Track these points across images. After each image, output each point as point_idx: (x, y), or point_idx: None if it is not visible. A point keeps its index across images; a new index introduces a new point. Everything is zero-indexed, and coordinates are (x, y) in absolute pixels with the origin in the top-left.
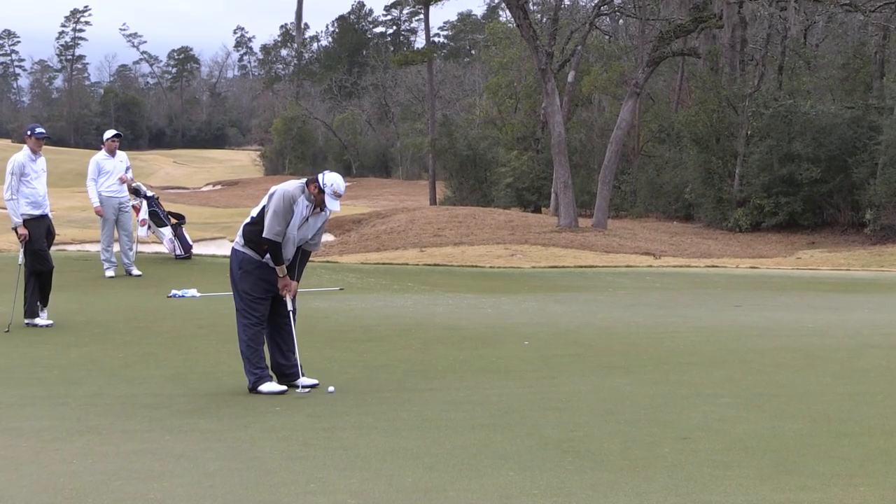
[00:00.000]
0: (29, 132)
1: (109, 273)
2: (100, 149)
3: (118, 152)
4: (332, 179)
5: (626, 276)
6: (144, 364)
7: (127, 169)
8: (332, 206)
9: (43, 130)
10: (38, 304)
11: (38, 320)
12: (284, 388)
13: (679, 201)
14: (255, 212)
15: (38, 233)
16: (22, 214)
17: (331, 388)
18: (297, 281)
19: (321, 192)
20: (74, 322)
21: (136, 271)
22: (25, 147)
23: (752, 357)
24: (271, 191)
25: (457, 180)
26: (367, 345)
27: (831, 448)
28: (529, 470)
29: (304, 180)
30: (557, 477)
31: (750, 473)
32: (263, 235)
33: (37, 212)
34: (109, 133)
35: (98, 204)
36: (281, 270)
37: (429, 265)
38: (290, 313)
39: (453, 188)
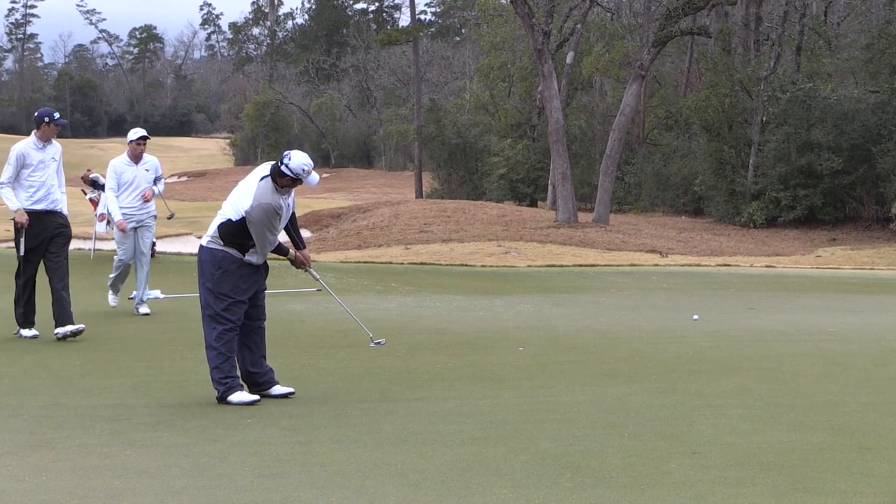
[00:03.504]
0: (48, 119)
1: (113, 303)
2: (56, 136)
3: (145, 156)
4: (300, 162)
5: (630, 276)
6: (104, 372)
7: (156, 180)
8: (314, 181)
9: (57, 115)
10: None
11: (24, 331)
12: (257, 397)
13: (688, 194)
14: (228, 209)
15: (33, 231)
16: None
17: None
18: (305, 246)
19: (296, 180)
20: None
21: (144, 309)
22: (32, 134)
23: (767, 364)
24: (248, 209)
25: (445, 171)
26: (347, 351)
27: (854, 463)
28: (524, 487)
29: (269, 180)
30: (555, 495)
31: (765, 491)
32: (262, 259)
33: (38, 207)
34: (135, 133)
35: (121, 217)
36: (289, 255)
37: (414, 264)
38: (320, 282)
39: (441, 180)
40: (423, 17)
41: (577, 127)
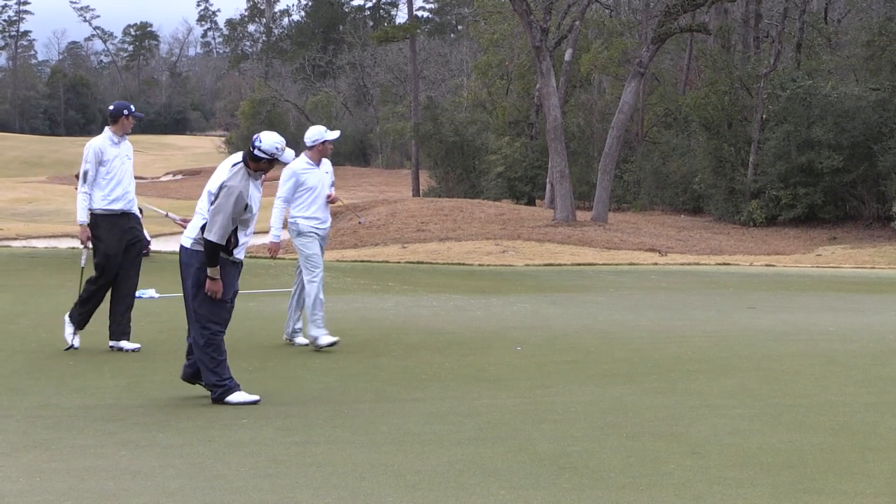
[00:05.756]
0: (126, 112)
1: (329, 339)
2: (49, 133)
3: (324, 160)
4: (271, 142)
5: (629, 275)
6: (97, 372)
7: (331, 185)
8: (289, 158)
9: (134, 107)
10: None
11: (76, 339)
12: (257, 397)
13: (687, 193)
14: (206, 208)
15: (111, 233)
16: (95, 210)
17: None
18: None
19: (272, 161)
20: (20, 326)
21: (301, 340)
22: (106, 130)
23: (767, 364)
24: (220, 185)
25: (442, 169)
26: (342, 351)
27: (854, 463)
28: (522, 488)
29: (241, 166)
30: (553, 496)
31: (765, 492)
32: (211, 238)
33: (115, 206)
34: (317, 133)
35: (274, 236)
36: (215, 272)
37: (411, 263)
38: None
39: (438, 178)
40: (420, 13)
41: (575, 125)
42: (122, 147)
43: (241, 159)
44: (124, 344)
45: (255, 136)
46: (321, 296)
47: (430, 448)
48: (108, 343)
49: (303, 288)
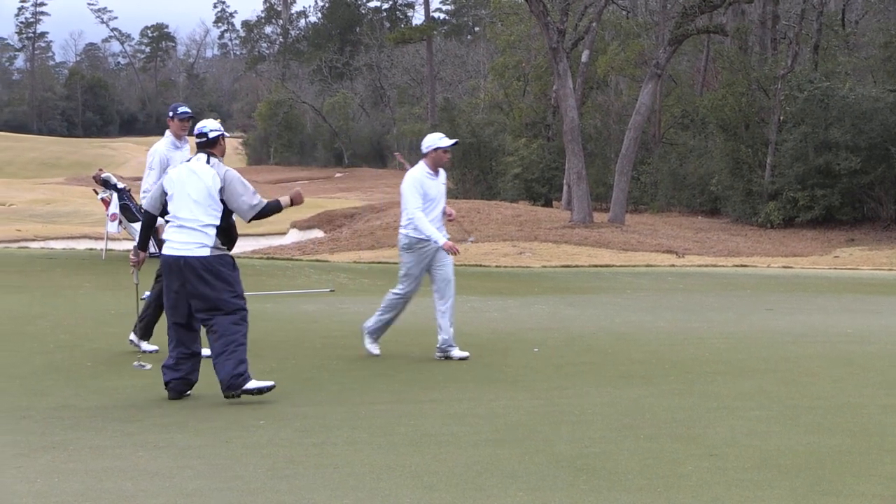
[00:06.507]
0: (171, 113)
1: (374, 350)
2: (67, 135)
3: (441, 170)
4: (214, 125)
5: (646, 277)
6: (116, 373)
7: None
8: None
9: (188, 110)
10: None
11: (144, 344)
12: (272, 383)
13: (704, 194)
14: (204, 212)
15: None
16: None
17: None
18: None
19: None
20: (38, 327)
21: (457, 353)
22: (167, 134)
23: (784, 366)
24: (218, 184)
25: (459, 171)
26: (360, 352)
27: (873, 466)
28: (539, 490)
29: (209, 158)
30: (570, 497)
31: (783, 493)
32: (262, 202)
33: None
34: (431, 140)
35: (446, 239)
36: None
37: None
38: None
39: (455, 179)
40: (436, 15)
41: (592, 126)
42: (184, 151)
43: (203, 156)
44: (144, 345)
45: (201, 127)
46: (392, 316)
47: (448, 449)
48: (130, 337)
49: (441, 297)
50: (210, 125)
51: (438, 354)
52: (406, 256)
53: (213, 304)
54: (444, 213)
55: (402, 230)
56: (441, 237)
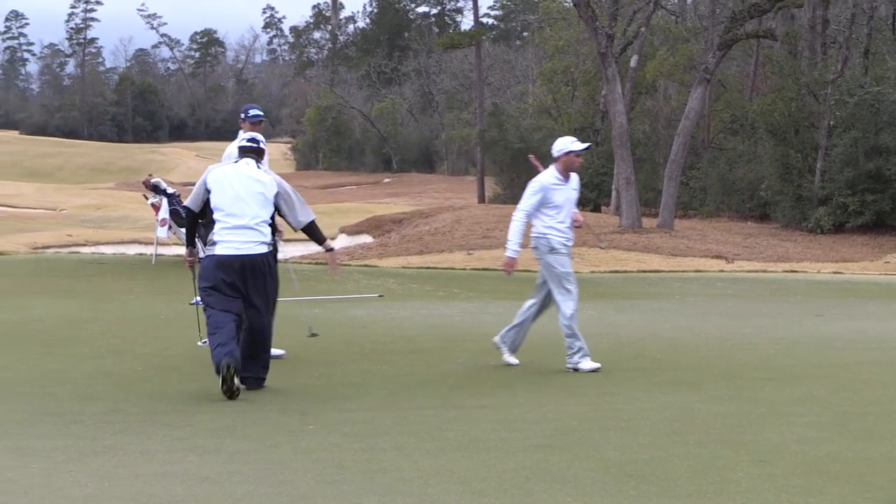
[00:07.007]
0: (243, 114)
1: (511, 359)
2: (117, 140)
3: (573, 175)
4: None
5: (695, 282)
6: (165, 378)
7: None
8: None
9: (260, 112)
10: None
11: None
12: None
13: (754, 199)
14: (258, 209)
15: None
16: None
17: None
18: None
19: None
20: (89, 332)
21: (511, 360)
22: (240, 134)
23: (835, 372)
24: (274, 188)
25: (507, 176)
26: (409, 357)
27: None
28: (589, 495)
29: (258, 164)
30: (619, 503)
31: (833, 500)
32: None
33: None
34: (564, 144)
35: (510, 252)
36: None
37: (477, 270)
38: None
39: (504, 185)
40: (485, 20)
41: (641, 131)
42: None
43: (252, 161)
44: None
45: (253, 135)
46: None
47: (497, 455)
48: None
49: (542, 305)
50: (262, 138)
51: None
52: (552, 257)
53: (270, 297)
54: (573, 219)
55: (536, 234)
56: (512, 249)
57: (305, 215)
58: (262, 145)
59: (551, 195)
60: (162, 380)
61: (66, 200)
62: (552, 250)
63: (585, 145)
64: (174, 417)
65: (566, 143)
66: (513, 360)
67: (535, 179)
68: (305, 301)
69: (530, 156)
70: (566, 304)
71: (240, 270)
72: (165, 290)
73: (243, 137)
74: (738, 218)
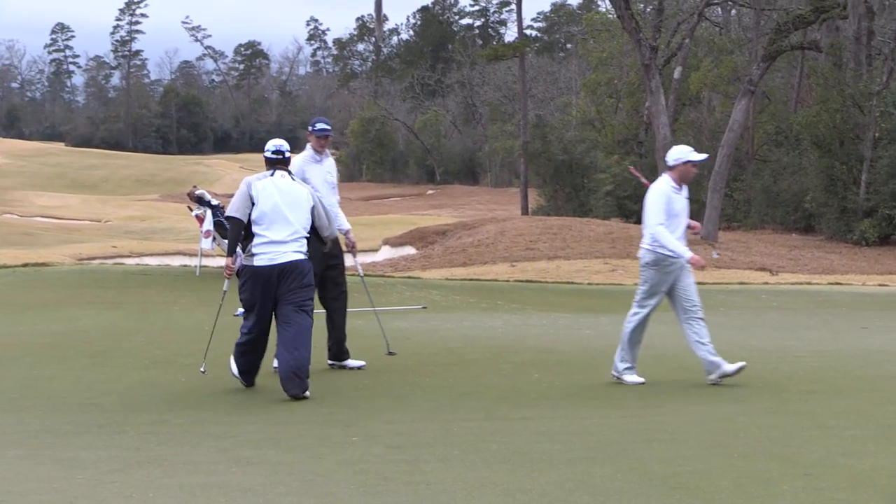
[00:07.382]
0: (310, 128)
1: (633, 378)
2: (162, 152)
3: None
4: (276, 143)
5: (739, 295)
6: (210, 389)
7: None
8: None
9: (327, 126)
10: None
11: (351, 361)
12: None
13: (798, 211)
14: (301, 219)
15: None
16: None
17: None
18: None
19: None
20: (133, 343)
21: (629, 378)
22: (307, 147)
23: (881, 385)
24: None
25: (551, 188)
26: (452, 369)
27: None
28: None
29: (286, 174)
30: None
31: None
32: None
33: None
34: (680, 152)
35: (692, 254)
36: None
37: (520, 281)
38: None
39: (547, 196)
40: (529, 32)
41: (684, 143)
42: (325, 164)
43: (286, 173)
44: (350, 362)
45: (279, 145)
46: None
47: (540, 467)
48: (328, 362)
49: (690, 322)
50: (286, 145)
51: (713, 378)
52: (650, 273)
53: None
54: (689, 226)
55: (645, 246)
56: (687, 251)
57: (335, 228)
58: (286, 154)
59: (672, 204)
60: (206, 391)
61: (112, 212)
62: (655, 263)
63: (704, 156)
64: (218, 428)
65: (685, 152)
66: (637, 378)
67: (654, 189)
68: (350, 313)
69: (630, 167)
70: (636, 316)
71: (277, 277)
72: (209, 302)
73: (268, 148)
74: (782, 230)
